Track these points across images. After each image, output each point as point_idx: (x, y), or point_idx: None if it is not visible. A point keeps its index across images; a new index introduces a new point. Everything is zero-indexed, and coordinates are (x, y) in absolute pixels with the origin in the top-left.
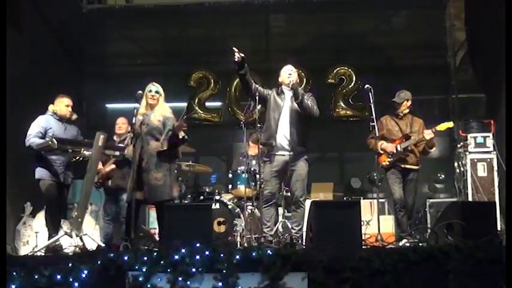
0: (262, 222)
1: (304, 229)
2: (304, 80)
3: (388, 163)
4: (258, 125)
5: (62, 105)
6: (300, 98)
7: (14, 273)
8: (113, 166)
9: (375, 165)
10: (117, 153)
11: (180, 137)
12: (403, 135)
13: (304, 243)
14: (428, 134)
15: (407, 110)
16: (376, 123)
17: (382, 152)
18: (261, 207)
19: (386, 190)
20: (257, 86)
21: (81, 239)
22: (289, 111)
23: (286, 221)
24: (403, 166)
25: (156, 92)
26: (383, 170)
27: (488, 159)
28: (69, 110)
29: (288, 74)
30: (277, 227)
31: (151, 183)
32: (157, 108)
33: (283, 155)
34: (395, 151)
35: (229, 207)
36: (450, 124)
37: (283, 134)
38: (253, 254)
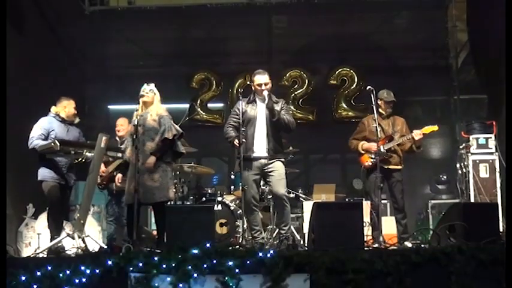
0: (251, 228)
1: (306, 230)
2: (306, 81)
3: (370, 163)
4: (242, 129)
5: (71, 107)
6: (277, 117)
7: (16, 275)
8: (120, 175)
9: (377, 166)
10: (120, 154)
11: (170, 137)
12: (386, 136)
13: (306, 245)
14: (417, 135)
15: (391, 110)
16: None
17: (363, 152)
18: (244, 214)
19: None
20: (234, 125)
21: (83, 240)
22: (265, 120)
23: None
24: (386, 167)
25: (150, 90)
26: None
27: (491, 160)
28: (75, 112)
29: (261, 89)
30: (279, 230)
31: (147, 184)
32: (152, 108)
33: (259, 160)
34: (379, 151)
35: (232, 208)
36: (435, 127)
37: (260, 145)
38: (256, 256)
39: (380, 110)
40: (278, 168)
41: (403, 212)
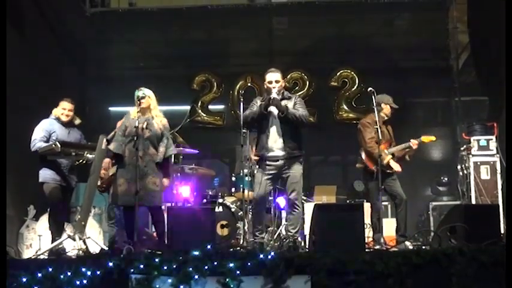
0: (253, 226)
1: (307, 232)
2: (307, 82)
3: (376, 169)
4: (243, 131)
5: (59, 108)
6: (285, 113)
7: (17, 277)
8: (108, 159)
9: (378, 168)
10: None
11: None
12: (387, 140)
13: (307, 246)
14: (415, 144)
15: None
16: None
17: (385, 163)
18: (250, 211)
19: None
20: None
21: (84, 242)
22: (279, 118)
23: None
24: (388, 171)
25: (143, 94)
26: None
27: (492, 162)
28: (65, 113)
29: (272, 86)
30: (280, 231)
31: (149, 187)
32: (155, 113)
33: (277, 161)
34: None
35: (233, 210)
36: (433, 138)
37: (275, 144)
38: (257, 257)
39: (382, 114)
40: (294, 171)
41: (405, 208)
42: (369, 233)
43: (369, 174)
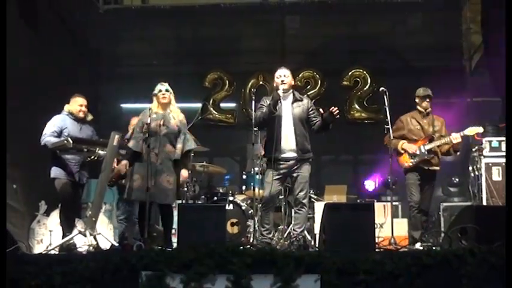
0: (261, 225)
1: (317, 231)
2: (319, 82)
3: (411, 164)
4: (254, 129)
5: (76, 104)
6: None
7: (28, 272)
8: (125, 162)
9: (389, 168)
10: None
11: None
12: (427, 136)
13: (317, 245)
14: (455, 138)
15: (430, 108)
16: (392, 123)
17: (402, 151)
18: (260, 210)
19: (400, 193)
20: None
21: (95, 238)
22: (291, 119)
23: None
24: (426, 168)
25: (166, 90)
26: (396, 173)
27: (503, 164)
28: (82, 109)
29: (281, 80)
30: (290, 229)
31: (163, 185)
32: (172, 109)
33: (289, 161)
34: (418, 152)
35: (243, 208)
36: (479, 129)
37: (287, 145)
38: (267, 256)
39: (419, 108)
40: (304, 172)
41: (426, 216)
42: (379, 232)
43: (407, 170)
